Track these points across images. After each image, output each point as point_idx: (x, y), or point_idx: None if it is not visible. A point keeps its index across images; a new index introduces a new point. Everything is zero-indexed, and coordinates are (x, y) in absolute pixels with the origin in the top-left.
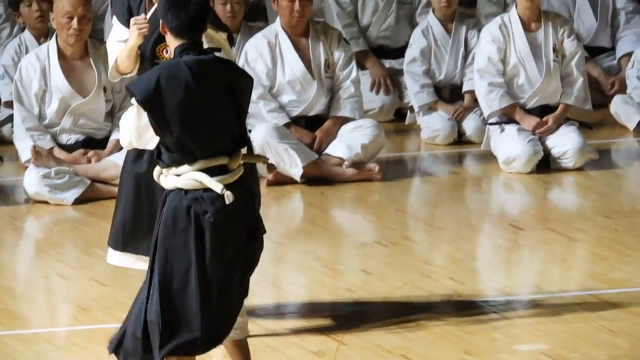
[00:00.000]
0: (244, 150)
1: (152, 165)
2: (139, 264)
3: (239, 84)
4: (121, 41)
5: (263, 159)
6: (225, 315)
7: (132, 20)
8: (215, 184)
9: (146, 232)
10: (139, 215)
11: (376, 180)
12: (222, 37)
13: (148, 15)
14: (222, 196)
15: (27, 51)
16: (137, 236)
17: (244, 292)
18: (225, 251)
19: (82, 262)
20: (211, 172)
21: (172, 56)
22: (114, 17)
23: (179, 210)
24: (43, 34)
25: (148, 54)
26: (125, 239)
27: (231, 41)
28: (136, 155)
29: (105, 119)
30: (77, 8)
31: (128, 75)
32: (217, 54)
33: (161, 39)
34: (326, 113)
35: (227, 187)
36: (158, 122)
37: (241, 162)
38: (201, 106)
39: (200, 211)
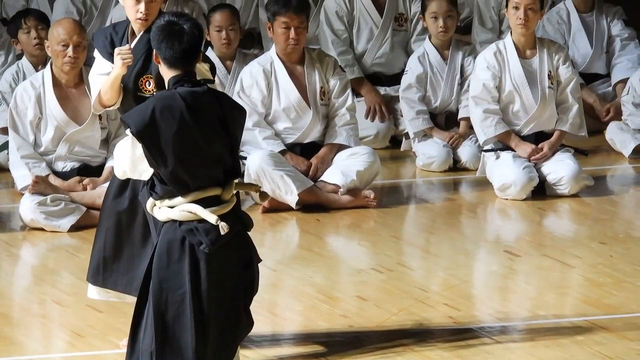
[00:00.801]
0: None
1: (134, 203)
2: (116, 298)
3: (231, 116)
4: (103, 74)
5: (255, 187)
6: (227, 346)
7: (116, 51)
8: (210, 215)
9: (125, 269)
10: (118, 253)
11: (371, 207)
12: (204, 67)
13: (132, 45)
14: (216, 227)
15: (24, 78)
16: (115, 273)
17: (250, 321)
18: (220, 281)
19: (78, 288)
20: (205, 203)
21: (154, 88)
22: (96, 50)
23: (173, 241)
24: (41, 61)
25: (131, 85)
26: (105, 275)
27: (213, 72)
28: (118, 190)
29: (100, 146)
30: (73, 36)
31: (111, 108)
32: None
33: (144, 71)
34: (321, 140)
35: (221, 217)
36: (152, 154)
37: (234, 191)
38: (195, 138)
39: (195, 242)
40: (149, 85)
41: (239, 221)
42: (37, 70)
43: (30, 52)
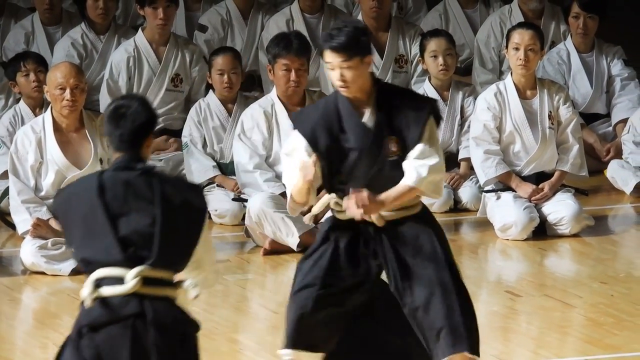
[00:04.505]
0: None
1: None
2: None
3: (169, 200)
4: (291, 155)
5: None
6: None
7: (301, 164)
8: (85, 294)
9: None
10: None
11: None
12: None
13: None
14: (104, 308)
15: (22, 121)
16: None
17: None
18: None
19: None
20: (106, 282)
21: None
22: (296, 128)
23: (75, 327)
24: (38, 104)
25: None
26: None
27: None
28: None
29: None
30: (69, 79)
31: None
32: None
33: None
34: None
35: (122, 300)
36: (65, 232)
37: (138, 279)
38: (102, 219)
39: (80, 325)
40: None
41: (155, 326)
42: (34, 113)
43: (28, 94)
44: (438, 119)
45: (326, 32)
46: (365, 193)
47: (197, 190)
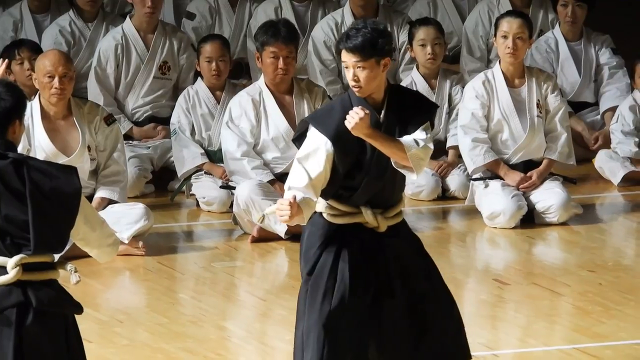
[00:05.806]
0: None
1: None
2: None
3: (40, 188)
4: (309, 158)
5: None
6: None
7: (278, 203)
8: None
9: None
10: None
11: None
12: None
13: (293, 196)
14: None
15: None
16: None
17: None
18: None
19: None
20: None
21: None
22: (317, 129)
23: None
24: (33, 92)
25: None
26: None
27: None
28: None
29: (89, 177)
30: (58, 67)
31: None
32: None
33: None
34: None
35: (4, 290)
36: None
37: (19, 268)
38: None
39: None
40: None
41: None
42: (30, 101)
43: (22, 82)
44: (432, 125)
45: (345, 32)
46: (368, 113)
47: (69, 174)
